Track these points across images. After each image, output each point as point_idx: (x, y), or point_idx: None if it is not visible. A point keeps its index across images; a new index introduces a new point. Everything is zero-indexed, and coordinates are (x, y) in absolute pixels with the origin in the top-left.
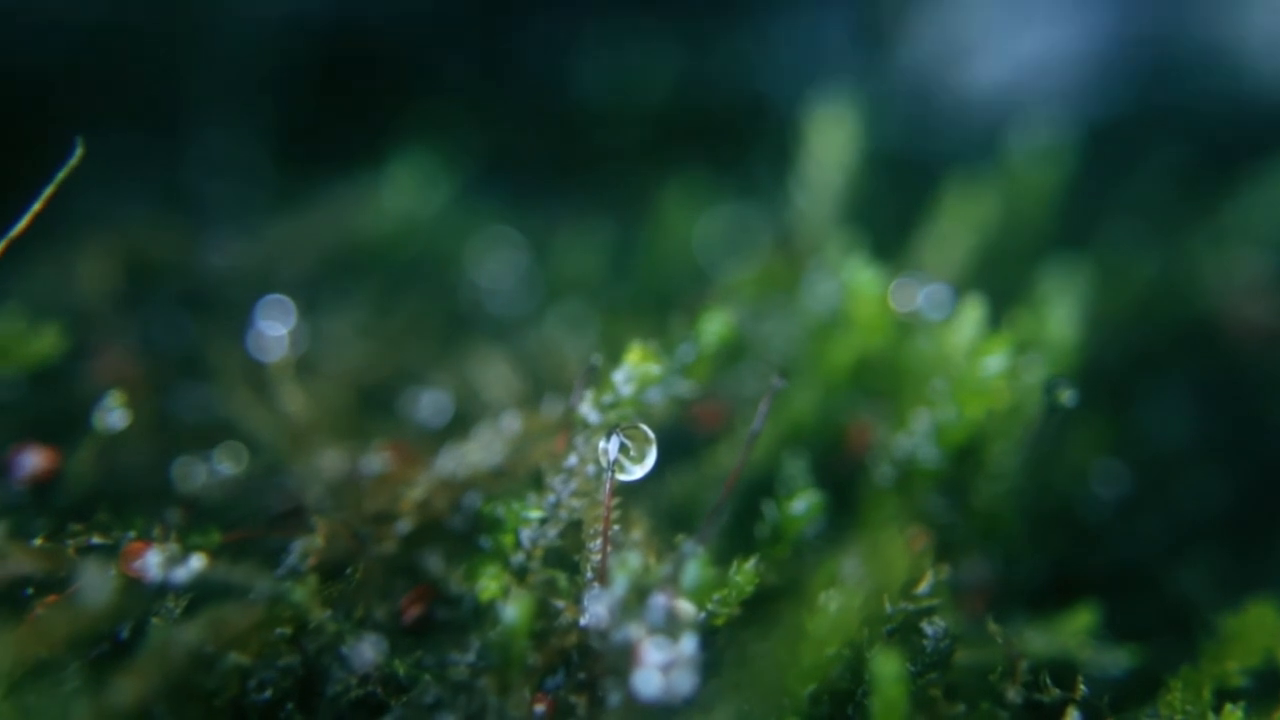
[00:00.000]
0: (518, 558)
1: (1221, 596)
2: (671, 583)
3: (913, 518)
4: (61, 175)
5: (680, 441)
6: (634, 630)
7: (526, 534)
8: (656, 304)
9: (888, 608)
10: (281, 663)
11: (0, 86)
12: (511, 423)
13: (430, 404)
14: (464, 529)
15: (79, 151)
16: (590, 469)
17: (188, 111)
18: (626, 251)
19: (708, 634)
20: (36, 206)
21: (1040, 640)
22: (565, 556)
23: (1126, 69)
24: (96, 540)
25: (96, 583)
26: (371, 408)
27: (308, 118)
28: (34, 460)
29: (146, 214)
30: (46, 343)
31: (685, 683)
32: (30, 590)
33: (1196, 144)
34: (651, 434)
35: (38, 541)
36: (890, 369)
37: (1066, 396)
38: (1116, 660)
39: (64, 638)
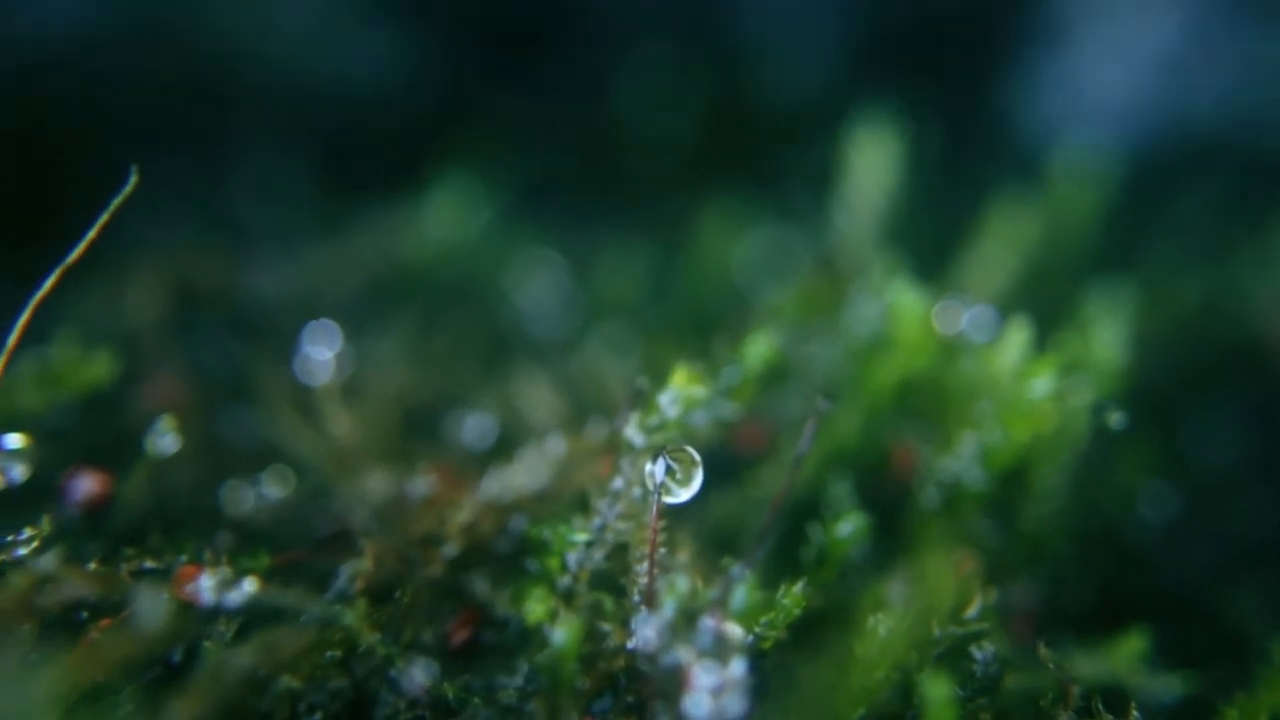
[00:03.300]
0: (564, 581)
1: (1276, 622)
2: (719, 606)
3: (960, 541)
4: (116, 203)
5: (724, 464)
6: (683, 653)
7: (573, 557)
8: (696, 326)
9: (936, 631)
10: (332, 685)
11: (49, 113)
12: (556, 445)
13: (475, 427)
14: (510, 552)
15: (133, 179)
16: (636, 492)
17: (233, 138)
18: (666, 274)
19: (755, 657)
20: (91, 234)
21: (1090, 665)
22: (612, 579)
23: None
24: (149, 564)
25: (150, 606)
26: (416, 431)
27: (350, 144)
28: (87, 485)
29: (193, 240)
30: (98, 369)
31: (735, 707)
32: (85, 614)
33: (1241, 168)
34: (698, 456)
35: (92, 565)
36: (935, 391)
37: (1115, 419)
38: (1169, 686)
39: (119, 661)
